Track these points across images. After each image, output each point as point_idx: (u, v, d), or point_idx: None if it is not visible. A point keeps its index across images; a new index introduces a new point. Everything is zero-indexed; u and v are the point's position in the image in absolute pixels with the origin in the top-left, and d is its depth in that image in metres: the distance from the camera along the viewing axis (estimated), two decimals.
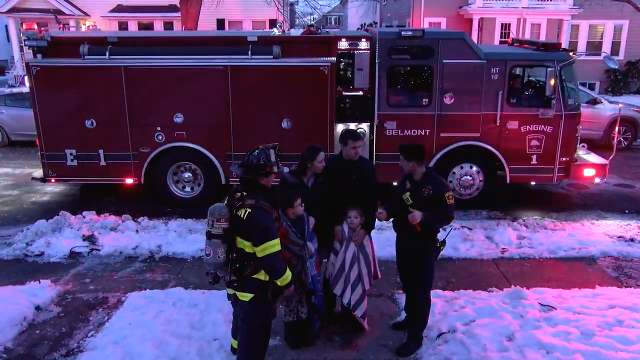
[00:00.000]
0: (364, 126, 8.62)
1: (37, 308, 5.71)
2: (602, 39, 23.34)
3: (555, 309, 5.60)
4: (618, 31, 23.16)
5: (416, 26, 22.03)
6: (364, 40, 8.43)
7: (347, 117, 8.62)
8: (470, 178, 8.87)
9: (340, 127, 8.48)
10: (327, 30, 10.03)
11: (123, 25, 25.45)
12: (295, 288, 4.48)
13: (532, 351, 4.85)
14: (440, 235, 4.85)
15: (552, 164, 8.71)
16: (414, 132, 8.58)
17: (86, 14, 24.91)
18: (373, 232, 5.14)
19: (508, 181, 8.86)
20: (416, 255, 4.82)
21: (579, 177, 9.09)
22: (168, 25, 25.37)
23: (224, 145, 8.64)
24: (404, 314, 5.38)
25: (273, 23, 23.05)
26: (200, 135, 8.63)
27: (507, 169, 8.74)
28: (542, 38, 21.69)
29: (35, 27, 9.41)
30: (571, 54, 8.85)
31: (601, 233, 7.96)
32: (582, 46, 22.84)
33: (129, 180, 8.82)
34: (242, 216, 3.91)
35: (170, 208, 8.92)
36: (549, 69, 8.22)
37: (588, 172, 8.91)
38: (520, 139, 8.58)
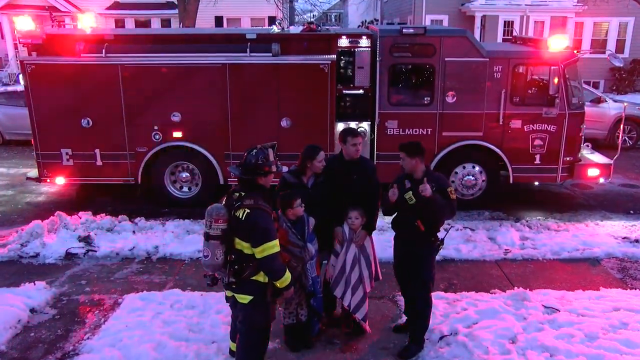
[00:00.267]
0: (365, 125, 8.62)
1: (32, 310, 5.70)
2: (606, 36, 23.32)
3: (559, 311, 5.60)
4: (623, 28, 23.13)
5: (417, 23, 22.03)
6: (364, 37, 8.43)
7: (347, 116, 8.63)
8: (472, 178, 8.88)
9: (340, 126, 8.48)
10: (327, 27, 10.02)
11: (120, 23, 25.44)
12: (295, 290, 4.48)
13: (535, 354, 4.85)
14: (439, 235, 4.85)
15: (555, 163, 8.71)
16: (416, 131, 8.59)
17: (82, 11, 24.89)
18: (374, 233, 5.14)
19: (511, 181, 8.86)
20: (417, 256, 4.81)
21: (583, 177, 9.10)
22: (165, 23, 25.35)
23: (222, 145, 8.65)
24: (405, 317, 5.38)
25: (272, 20, 23.06)
26: (198, 135, 8.63)
27: (510, 168, 8.74)
28: (546, 36, 21.69)
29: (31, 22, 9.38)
30: (575, 52, 8.86)
31: (606, 234, 7.97)
32: (586, 44, 22.82)
33: (126, 180, 8.82)
34: (240, 217, 3.91)
35: (168, 208, 8.92)
36: (552, 68, 8.22)
37: (592, 172, 8.91)
38: (523, 139, 8.59)
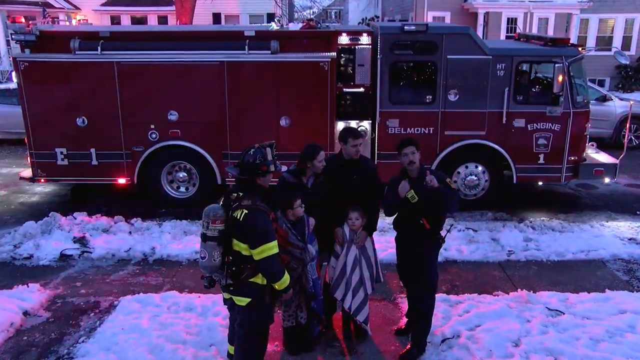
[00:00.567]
0: (365, 124, 8.63)
1: (25, 313, 5.70)
2: (612, 33, 23.33)
3: (563, 313, 5.60)
4: (630, 25, 23.13)
5: (419, 20, 22.04)
6: (365, 34, 8.43)
7: (347, 114, 8.63)
8: (475, 178, 8.88)
9: (340, 125, 8.48)
10: (327, 24, 10.04)
11: (115, 20, 25.44)
12: (295, 292, 4.49)
13: (539, 357, 4.85)
14: (441, 233, 4.86)
15: (560, 163, 8.72)
16: (417, 130, 8.59)
17: (77, 8, 24.91)
18: (375, 234, 5.15)
19: (515, 181, 8.86)
20: (420, 255, 4.82)
21: (588, 177, 9.11)
22: (162, 20, 25.38)
23: (220, 144, 8.65)
24: (406, 319, 5.38)
25: (271, 17, 23.07)
26: (195, 134, 8.63)
27: (513, 168, 8.74)
28: (550, 33, 21.71)
29: (23, 20, 9.40)
30: (580, 49, 8.87)
31: (611, 235, 7.97)
32: (591, 41, 22.84)
33: (122, 180, 8.83)
34: (238, 217, 3.92)
35: (165, 209, 8.93)
36: (556, 65, 8.22)
37: (597, 172, 8.92)
38: (527, 138, 8.59)
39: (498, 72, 8.38)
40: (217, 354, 4.88)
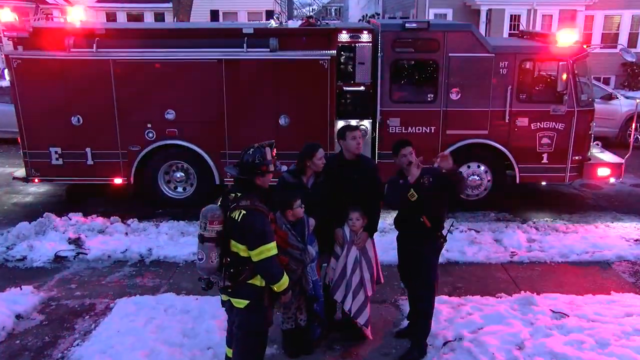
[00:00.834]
0: (366, 123, 8.63)
1: (18, 316, 5.68)
2: (618, 30, 23.29)
3: (568, 316, 5.60)
4: (636, 22, 23.10)
5: (420, 18, 22.04)
6: (365, 32, 8.44)
7: (347, 113, 8.64)
8: (477, 178, 8.88)
9: (340, 124, 8.48)
10: (326, 21, 10.04)
11: (111, 16, 25.45)
12: (295, 294, 4.48)
13: None
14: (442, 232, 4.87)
15: (564, 163, 8.72)
16: (419, 129, 8.60)
17: (71, 4, 24.90)
18: (376, 235, 5.15)
19: (518, 181, 8.87)
20: (420, 254, 4.83)
21: (592, 177, 9.10)
22: (159, 17, 25.40)
23: (218, 144, 8.65)
24: (407, 322, 5.38)
25: (270, 14, 23.08)
26: (193, 133, 8.63)
27: (516, 168, 8.75)
28: (554, 30, 21.70)
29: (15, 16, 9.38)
30: (585, 46, 8.87)
31: (617, 236, 7.97)
32: (596, 38, 22.83)
33: (118, 180, 8.82)
34: (236, 218, 3.91)
35: (162, 209, 8.93)
36: (560, 63, 8.23)
37: (602, 172, 8.92)
38: (530, 137, 8.59)
39: (501, 70, 8.39)
40: (215, 357, 4.87)
